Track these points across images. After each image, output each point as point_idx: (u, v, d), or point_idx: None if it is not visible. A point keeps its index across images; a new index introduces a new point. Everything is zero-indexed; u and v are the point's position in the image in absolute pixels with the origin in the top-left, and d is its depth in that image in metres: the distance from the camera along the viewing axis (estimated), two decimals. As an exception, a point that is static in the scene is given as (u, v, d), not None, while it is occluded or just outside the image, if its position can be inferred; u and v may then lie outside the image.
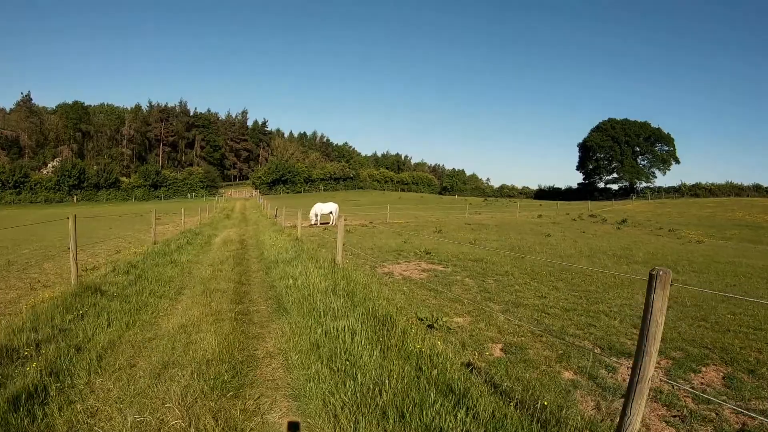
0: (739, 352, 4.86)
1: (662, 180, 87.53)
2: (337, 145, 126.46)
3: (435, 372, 3.27)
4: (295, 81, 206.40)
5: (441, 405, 2.81)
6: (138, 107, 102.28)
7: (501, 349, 4.75)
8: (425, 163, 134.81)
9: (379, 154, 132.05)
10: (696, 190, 69.53)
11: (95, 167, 73.66)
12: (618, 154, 79.40)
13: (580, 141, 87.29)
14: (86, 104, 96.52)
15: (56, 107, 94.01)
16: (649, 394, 3.14)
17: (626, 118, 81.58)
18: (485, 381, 3.50)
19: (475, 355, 4.50)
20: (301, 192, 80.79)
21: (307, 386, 3.42)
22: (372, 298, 5.56)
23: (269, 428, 2.98)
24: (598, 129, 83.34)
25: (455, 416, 2.71)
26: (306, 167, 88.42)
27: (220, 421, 2.96)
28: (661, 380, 3.86)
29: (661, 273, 2.16)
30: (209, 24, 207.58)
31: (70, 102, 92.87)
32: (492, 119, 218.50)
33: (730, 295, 7.53)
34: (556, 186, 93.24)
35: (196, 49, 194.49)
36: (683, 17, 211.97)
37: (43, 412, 3.07)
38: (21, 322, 4.74)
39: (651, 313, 2.20)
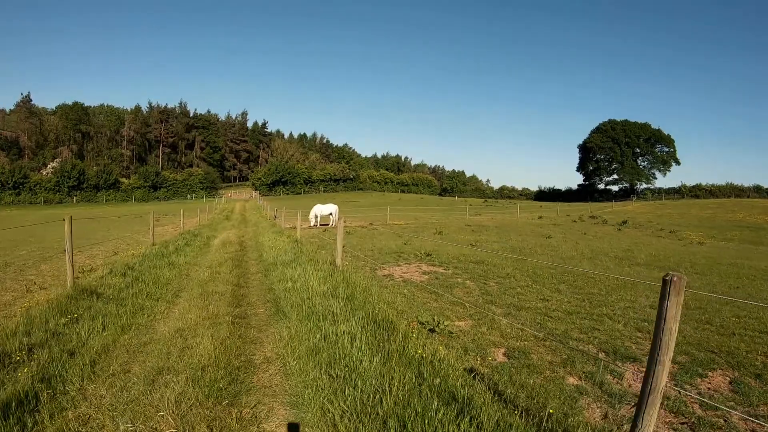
0: (746, 356, 4.78)
1: (662, 181, 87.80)
2: (337, 146, 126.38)
3: (438, 380, 3.17)
4: (295, 82, 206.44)
5: (444, 414, 2.71)
6: (138, 108, 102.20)
7: (504, 354, 4.66)
8: (425, 165, 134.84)
9: (379, 156, 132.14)
10: (696, 192, 69.42)
11: (95, 168, 73.49)
12: (618, 156, 79.31)
13: (580, 142, 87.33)
14: (86, 105, 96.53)
15: (56, 108, 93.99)
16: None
17: (626, 119, 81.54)
18: (489, 388, 3.41)
19: (477, 360, 4.41)
20: (300, 193, 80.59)
21: (305, 393, 3.33)
22: (372, 301, 5.46)
23: (266, 437, 2.89)
24: (598, 130, 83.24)
25: (459, 426, 2.62)
26: (306, 168, 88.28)
27: (215, 431, 2.87)
28: (667, 386, 3.77)
29: (674, 278, 2.07)
30: (209, 24, 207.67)
31: (70, 103, 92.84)
32: (492, 120, 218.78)
33: (741, 300, 7.45)
34: (556, 187, 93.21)
35: (196, 50, 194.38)
36: (683, 17, 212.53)
37: (34, 420, 2.99)
38: (14, 325, 4.65)
39: (664, 321, 2.11)
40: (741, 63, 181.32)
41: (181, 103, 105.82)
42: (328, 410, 2.97)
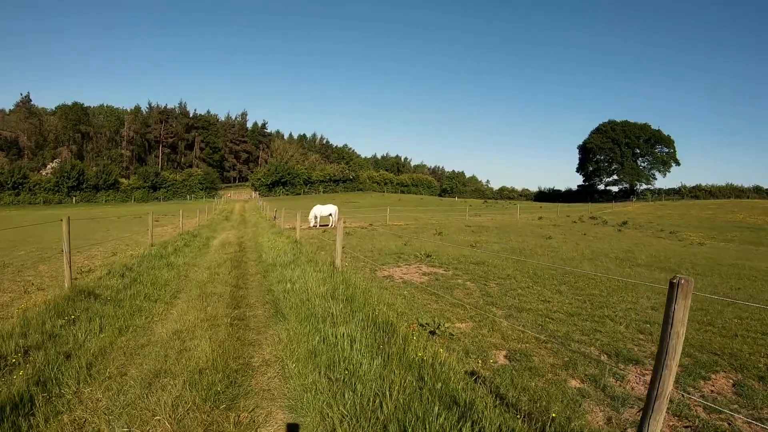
0: (749, 358, 4.74)
1: (662, 182, 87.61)
2: (336, 146, 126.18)
3: (439, 383, 3.13)
4: (295, 82, 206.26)
5: (445, 419, 2.67)
6: (137, 108, 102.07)
7: (505, 357, 4.61)
8: (425, 165, 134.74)
9: (379, 156, 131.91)
10: (696, 192, 69.37)
11: (94, 168, 73.41)
12: (618, 156, 79.27)
13: (580, 143, 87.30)
14: (86, 105, 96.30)
15: (55, 108, 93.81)
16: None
17: (626, 120, 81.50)
18: (490, 391, 3.36)
19: (478, 363, 4.36)
20: (300, 194, 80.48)
21: (304, 397, 3.28)
22: (372, 303, 5.41)
23: (264, 442, 2.84)
24: (598, 131, 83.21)
25: (460, 431, 2.57)
26: (305, 169, 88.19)
27: (212, 435, 2.83)
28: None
29: (682, 281, 2.02)
30: (209, 24, 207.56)
31: (70, 103, 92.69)
32: (492, 120, 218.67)
33: (743, 302, 7.40)
34: (556, 188, 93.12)
35: (196, 50, 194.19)
36: (683, 17, 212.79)
37: (29, 423, 2.94)
38: (11, 327, 4.60)
39: (672, 324, 2.06)
40: (741, 63, 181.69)
41: (180, 104, 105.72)
42: (327, 414, 2.92)
